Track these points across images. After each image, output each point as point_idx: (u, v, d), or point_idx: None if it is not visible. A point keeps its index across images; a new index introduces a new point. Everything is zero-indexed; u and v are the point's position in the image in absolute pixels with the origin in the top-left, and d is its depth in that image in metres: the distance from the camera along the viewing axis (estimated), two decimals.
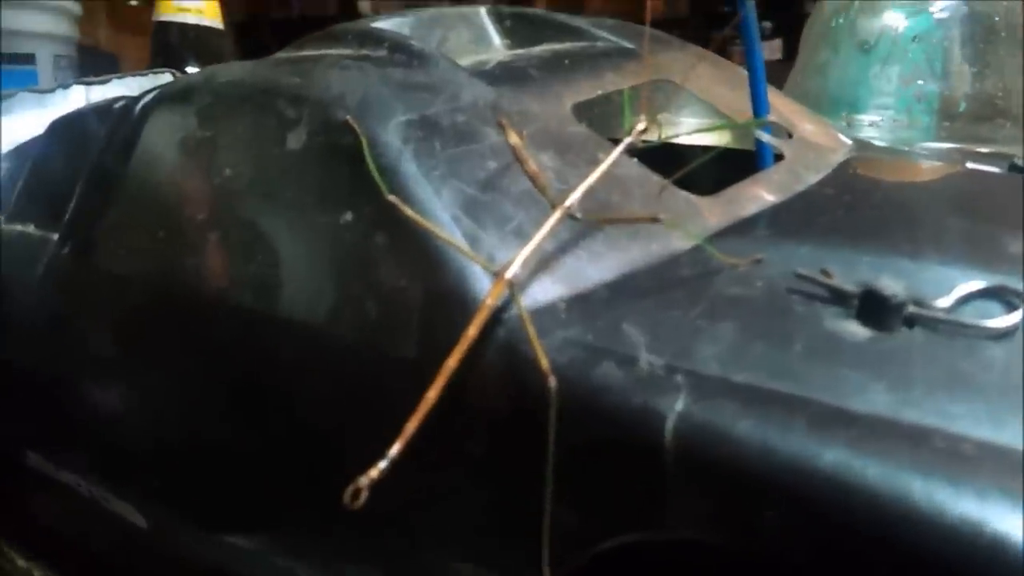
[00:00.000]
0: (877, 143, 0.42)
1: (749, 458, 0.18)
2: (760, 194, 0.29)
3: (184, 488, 0.32)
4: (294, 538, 0.28)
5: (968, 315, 0.21)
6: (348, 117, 0.27)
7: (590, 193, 0.25)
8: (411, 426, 0.21)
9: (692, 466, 0.19)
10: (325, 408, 0.27)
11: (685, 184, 0.28)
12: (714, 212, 0.27)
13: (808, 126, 0.35)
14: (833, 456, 0.17)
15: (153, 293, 0.32)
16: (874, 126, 0.52)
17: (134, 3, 1.16)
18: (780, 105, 0.36)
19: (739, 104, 0.34)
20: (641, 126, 0.25)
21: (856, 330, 0.21)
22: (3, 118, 0.53)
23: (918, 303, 0.21)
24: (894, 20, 0.53)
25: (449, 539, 0.24)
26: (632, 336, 0.21)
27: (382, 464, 0.20)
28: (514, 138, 0.24)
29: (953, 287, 0.22)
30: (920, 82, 0.52)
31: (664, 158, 0.28)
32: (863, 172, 0.32)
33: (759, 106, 0.32)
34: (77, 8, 0.82)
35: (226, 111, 0.31)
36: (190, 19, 0.82)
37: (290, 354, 0.27)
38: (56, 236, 0.35)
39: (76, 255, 0.34)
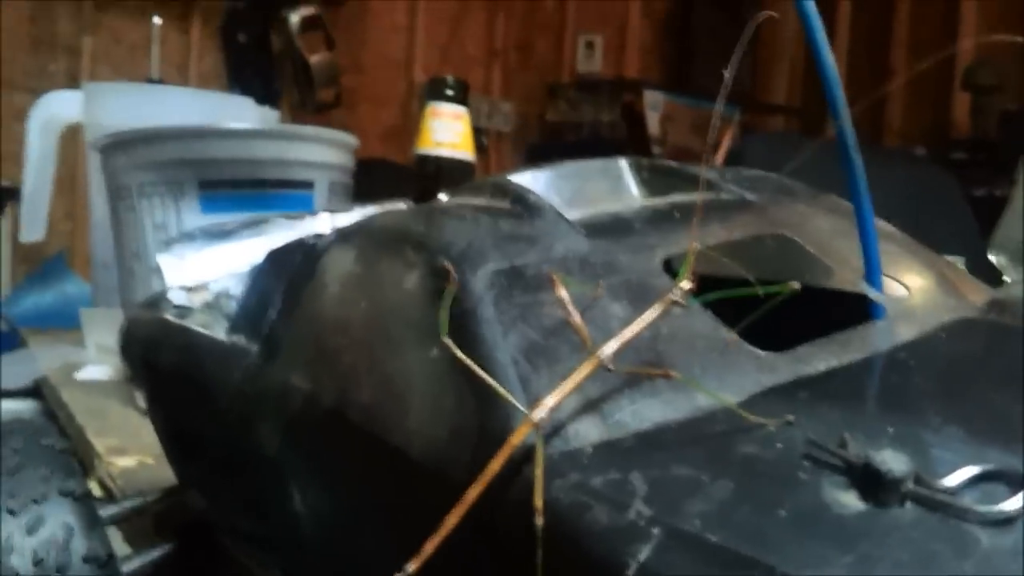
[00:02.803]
0: None
1: None
2: (832, 353, 0.29)
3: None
4: None
5: (972, 497, 0.21)
6: (447, 263, 0.31)
7: (647, 345, 0.27)
8: (429, 547, 0.24)
9: None
10: (402, 520, 0.30)
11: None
12: (778, 368, 0.28)
13: (931, 281, 0.34)
14: None
15: (311, 405, 0.37)
16: None
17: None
18: (909, 256, 0.35)
19: (859, 258, 0.34)
20: (686, 285, 0.27)
21: (851, 502, 0.21)
22: (259, 239, 0.63)
23: (920, 480, 0.21)
24: None
25: None
26: (635, 486, 0.23)
27: None
28: (562, 292, 0.27)
29: (967, 465, 0.22)
30: None
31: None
32: (954, 335, 0.31)
33: (871, 269, 0.33)
34: (353, 141, 0.95)
35: (373, 252, 0.36)
36: (444, 152, 0.92)
37: (386, 473, 0.31)
38: (255, 348, 0.42)
39: (263, 366, 0.41)
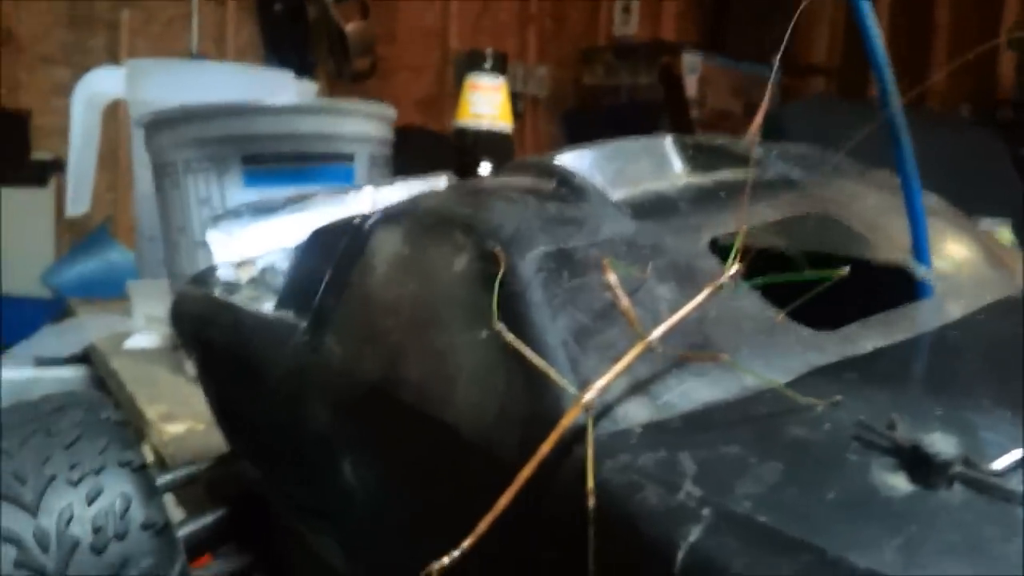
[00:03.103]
0: None
1: None
2: (880, 333, 0.29)
3: (380, 550, 0.38)
4: None
5: (1021, 480, 0.21)
6: (496, 247, 0.31)
7: (695, 327, 0.28)
8: (482, 525, 0.25)
9: None
10: (452, 496, 0.31)
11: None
12: (825, 348, 0.29)
13: (979, 258, 0.34)
14: None
15: (360, 382, 0.38)
16: None
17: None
18: (957, 232, 0.35)
19: (906, 235, 0.34)
20: (734, 270, 0.27)
21: (900, 485, 0.22)
22: (304, 214, 0.64)
23: (968, 463, 0.21)
24: None
25: None
26: (684, 466, 0.24)
27: (455, 553, 0.24)
28: (610, 276, 0.27)
29: (1016, 448, 0.22)
30: None
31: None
32: (1001, 313, 0.31)
33: (919, 248, 0.33)
34: (392, 113, 0.95)
35: (421, 234, 0.36)
36: (483, 124, 0.92)
37: (435, 451, 0.32)
38: (303, 324, 0.43)
39: (312, 343, 0.42)
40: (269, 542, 0.51)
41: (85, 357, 1.07)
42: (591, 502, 0.23)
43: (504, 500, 0.25)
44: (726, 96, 3.07)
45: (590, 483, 0.23)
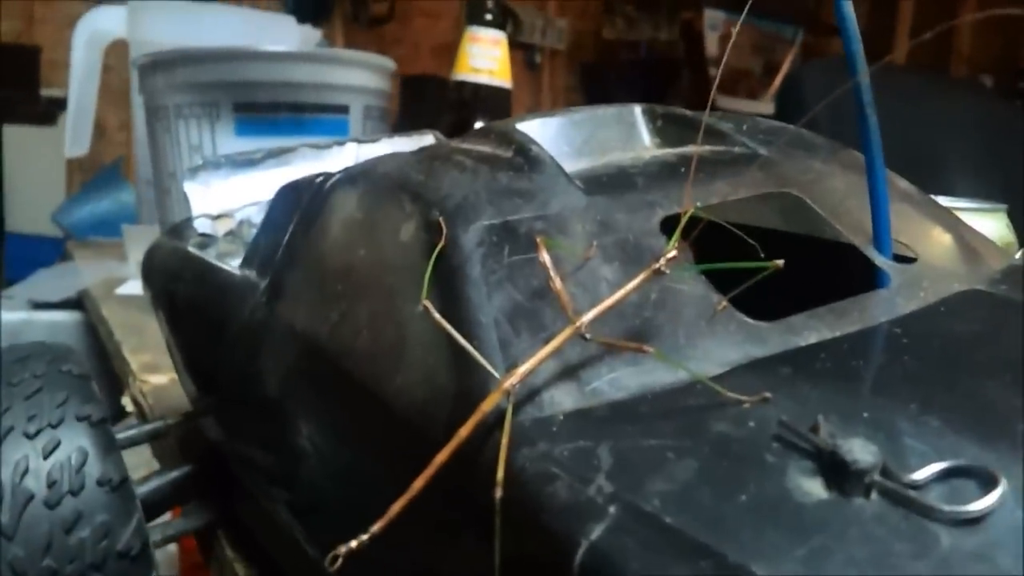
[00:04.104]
0: None
1: None
2: (827, 324, 0.28)
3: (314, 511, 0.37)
4: None
5: (939, 494, 0.20)
6: (440, 218, 0.30)
7: (634, 311, 0.27)
8: (395, 508, 0.24)
9: None
10: (388, 472, 0.30)
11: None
12: (767, 340, 0.27)
13: (947, 247, 0.33)
14: None
15: (310, 348, 0.37)
16: None
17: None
18: (927, 219, 0.34)
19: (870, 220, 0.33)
20: (671, 254, 0.26)
21: (815, 491, 0.21)
22: (283, 169, 0.63)
23: (887, 472, 0.21)
24: None
25: None
26: (600, 459, 0.23)
27: (363, 537, 0.24)
28: (544, 255, 0.26)
29: (940, 459, 0.21)
30: None
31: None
32: (957, 308, 0.30)
33: (880, 233, 0.31)
34: (390, 64, 0.93)
35: (374, 198, 0.35)
36: (482, 79, 0.91)
37: (375, 424, 0.31)
38: (264, 283, 0.43)
39: (268, 303, 0.41)
40: (231, 501, 0.50)
41: (80, 302, 1.07)
42: (498, 492, 0.22)
43: (418, 483, 0.24)
44: (747, 55, 3.02)
45: (500, 472, 0.22)
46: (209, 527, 0.51)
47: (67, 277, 1.07)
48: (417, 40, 2.91)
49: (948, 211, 0.36)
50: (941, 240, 0.34)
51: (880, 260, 0.31)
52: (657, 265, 0.26)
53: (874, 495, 0.21)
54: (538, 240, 0.27)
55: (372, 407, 0.31)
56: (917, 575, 0.18)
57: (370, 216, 0.35)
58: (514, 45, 3.04)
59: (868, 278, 0.32)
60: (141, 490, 0.49)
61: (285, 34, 1.13)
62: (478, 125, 0.90)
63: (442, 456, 0.24)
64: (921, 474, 0.21)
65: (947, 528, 0.20)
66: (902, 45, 2.62)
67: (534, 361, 0.25)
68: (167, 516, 0.55)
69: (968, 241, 0.35)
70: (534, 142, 0.34)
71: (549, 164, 0.33)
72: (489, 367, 0.25)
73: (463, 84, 0.91)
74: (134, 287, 1.00)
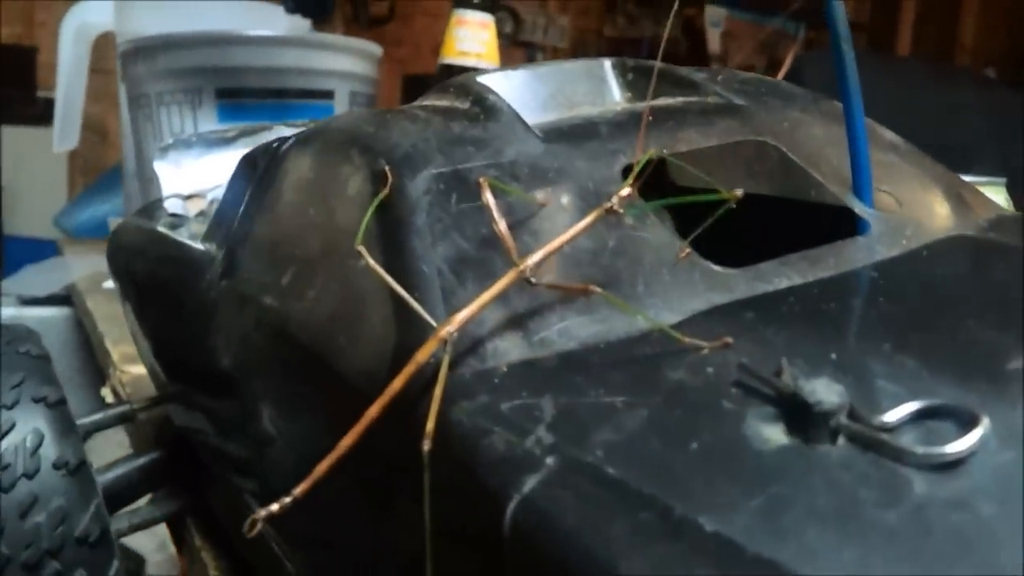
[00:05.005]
0: None
1: (567, 558, 0.17)
2: (799, 271, 0.26)
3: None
4: None
5: (913, 437, 0.18)
6: (387, 167, 0.28)
7: (590, 258, 0.25)
8: (321, 468, 0.22)
9: (525, 558, 0.18)
10: (325, 433, 0.28)
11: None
12: (734, 287, 0.25)
13: (933, 196, 0.30)
14: (636, 569, 0.16)
15: (261, 319, 0.35)
16: None
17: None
18: (909, 167, 0.32)
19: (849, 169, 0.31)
20: (624, 192, 0.24)
21: (775, 437, 0.19)
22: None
23: (854, 415, 0.18)
24: None
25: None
26: (543, 410, 0.21)
27: (286, 500, 0.22)
28: (488, 196, 0.24)
29: (914, 400, 0.19)
30: None
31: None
32: (940, 253, 0.27)
33: (859, 180, 0.29)
34: (377, 49, 0.91)
35: (325, 156, 0.33)
36: (469, 62, 0.88)
37: (322, 393, 0.29)
38: (221, 255, 0.41)
39: (223, 273, 0.39)
40: (199, 487, 0.48)
41: (67, 297, 1.05)
42: (426, 445, 0.20)
43: (346, 441, 0.22)
44: (750, 52, 2.99)
45: (430, 424, 0.20)
46: (179, 515, 0.49)
47: (55, 272, 1.05)
48: (418, 40, 2.89)
49: (937, 163, 0.34)
50: (928, 189, 0.32)
51: (859, 207, 0.29)
52: (609, 204, 0.24)
53: (841, 440, 0.18)
54: (482, 181, 0.25)
55: (323, 375, 0.30)
56: (887, 525, 0.16)
57: (320, 174, 0.33)
58: (515, 44, 3.02)
59: (846, 227, 0.30)
60: (106, 476, 0.47)
61: (272, 23, 1.11)
62: None
63: (373, 410, 0.22)
64: (893, 415, 0.19)
65: (921, 473, 0.17)
66: (905, 37, 2.59)
67: (474, 307, 0.23)
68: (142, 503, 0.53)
69: (957, 190, 0.32)
70: (492, 91, 0.32)
71: (506, 112, 0.31)
72: (427, 316, 0.23)
73: (450, 68, 0.89)
74: None
